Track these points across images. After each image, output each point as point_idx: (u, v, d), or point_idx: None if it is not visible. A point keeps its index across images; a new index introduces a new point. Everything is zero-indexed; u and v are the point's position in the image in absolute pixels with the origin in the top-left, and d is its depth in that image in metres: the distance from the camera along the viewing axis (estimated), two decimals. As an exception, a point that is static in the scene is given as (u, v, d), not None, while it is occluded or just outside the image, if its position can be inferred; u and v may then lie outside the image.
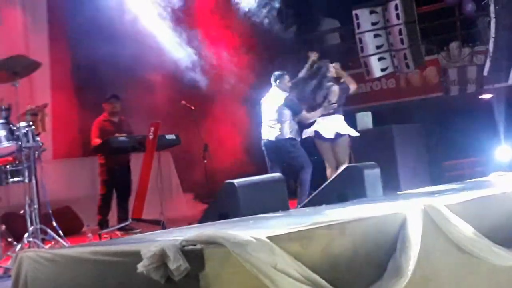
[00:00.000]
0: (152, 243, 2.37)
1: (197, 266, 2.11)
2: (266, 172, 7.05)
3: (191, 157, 9.54)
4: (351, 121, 8.65)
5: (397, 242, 2.75)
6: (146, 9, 8.36)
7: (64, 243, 5.87)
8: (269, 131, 7.50)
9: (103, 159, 8.06)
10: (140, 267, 2.17)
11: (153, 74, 9.29)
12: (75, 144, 9.93)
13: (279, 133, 7.40)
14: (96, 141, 7.98)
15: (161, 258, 2.15)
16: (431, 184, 9.72)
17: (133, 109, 8.95)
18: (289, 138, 7.39)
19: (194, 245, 2.16)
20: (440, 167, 10.98)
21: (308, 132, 7.67)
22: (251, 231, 2.51)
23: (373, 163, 5.03)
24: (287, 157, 7.39)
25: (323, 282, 2.34)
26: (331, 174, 7.24)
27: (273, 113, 7.49)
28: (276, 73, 7.75)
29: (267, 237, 2.26)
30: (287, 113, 7.44)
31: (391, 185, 8.18)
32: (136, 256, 2.21)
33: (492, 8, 8.78)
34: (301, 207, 4.59)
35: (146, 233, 3.26)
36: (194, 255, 2.12)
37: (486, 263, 3.13)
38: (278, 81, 7.63)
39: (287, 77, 7.73)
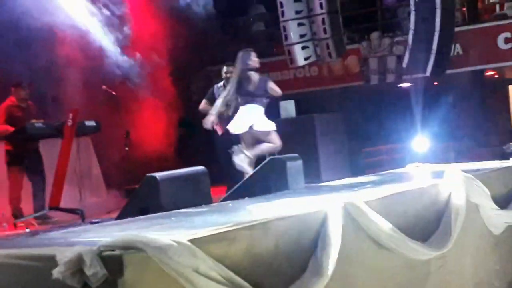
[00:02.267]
0: (68, 246, 2.29)
1: (116, 272, 2.04)
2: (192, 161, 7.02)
3: (113, 144, 9.35)
4: (275, 109, 8.71)
5: (318, 240, 2.77)
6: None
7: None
8: None
9: (9, 145, 7.74)
10: (56, 273, 2.08)
11: (73, 57, 9.01)
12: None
13: None
14: (4, 126, 7.67)
15: (78, 264, 2.07)
16: (351, 171, 9.98)
17: (52, 94, 8.67)
18: None
19: (113, 250, 2.09)
20: (359, 154, 11.26)
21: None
22: (173, 232, 2.47)
23: (295, 155, 5.06)
24: None
25: (245, 284, 2.32)
26: None
27: None
28: None
29: (189, 240, 2.22)
30: None
31: (312, 173, 8.32)
32: (51, 261, 2.12)
33: (412, 0, 9.01)
34: (223, 200, 4.56)
35: (61, 231, 3.15)
36: (113, 261, 2.05)
37: (404, 257, 3.21)
38: None
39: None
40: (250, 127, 6.93)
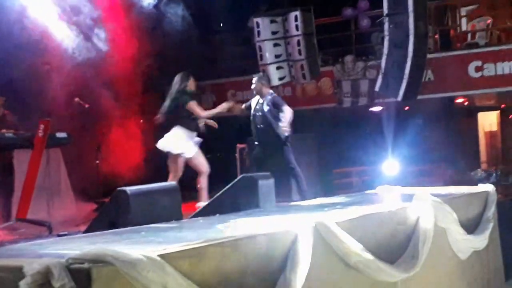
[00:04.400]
0: (36, 258, 2.26)
1: (84, 286, 2.03)
2: (163, 176, 7.02)
3: (83, 156, 9.26)
4: (249, 128, 8.74)
5: (287, 259, 2.78)
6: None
7: None
8: None
9: None
10: (23, 285, 2.06)
11: (45, 68, 8.93)
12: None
13: None
14: None
15: (45, 276, 2.05)
16: (321, 191, 10.02)
17: (23, 105, 8.56)
18: None
19: (82, 263, 2.07)
20: (330, 175, 11.31)
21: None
22: (142, 247, 2.46)
23: (267, 173, 5.09)
24: None
25: (213, 301, 2.33)
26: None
27: None
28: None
29: (159, 255, 2.21)
30: None
31: (283, 192, 8.32)
32: (19, 273, 2.10)
33: (386, 26, 9.14)
34: (193, 216, 4.55)
35: (29, 243, 3.11)
36: (81, 274, 2.04)
37: (372, 278, 3.23)
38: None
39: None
40: None
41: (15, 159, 7.91)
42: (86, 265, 2.06)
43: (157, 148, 7.55)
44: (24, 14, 7.95)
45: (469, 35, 11.82)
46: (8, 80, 8.32)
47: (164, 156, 7.57)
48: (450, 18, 12.18)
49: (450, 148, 11.82)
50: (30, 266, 2.07)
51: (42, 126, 7.27)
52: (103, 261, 2.08)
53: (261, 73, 8.91)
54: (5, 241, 6.73)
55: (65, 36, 8.33)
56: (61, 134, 7.70)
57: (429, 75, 10.83)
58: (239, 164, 10.30)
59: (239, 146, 10.31)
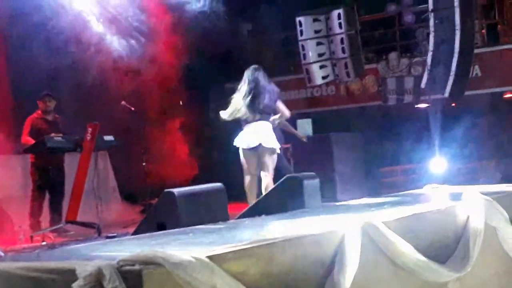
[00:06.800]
0: (88, 259, 2.30)
1: (135, 287, 2.06)
2: (208, 176, 7.04)
3: (130, 159, 9.40)
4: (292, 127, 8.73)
5: (335, 260, 2.76)
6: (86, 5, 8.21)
7: (-6, 247, 5.68)
8: None
9: (35, 158, 7.86)
10: (75, 286, 2.10)
11: (92, 72, 9.10)
12: (8, 140, 9.64)
13: None
14: (27, 139, 7.79)
15: (97, 278, 2.08)
16: (367, 190, 9.94)
17: (71, 108, 8.75)
18: None
19: (132, 265, 2.10)
20: (376, 174, 11.22)
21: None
22: (191, 248, 2.48)
23: (312, 173, 5.06)
24: None
25: (262, 302, 2.33)
26: (250, 183, 7.06)
27: None
28: None
29: (207, 257, 2.23)
30: None
31: (328, 192, 8.30)
32: (71, 274, 2.14)
33: (431, 22, 9.00)
34: (239, 217, 4.56)
35: (81, 244, 3.17)
36: (132, 276, 2.06)
37: (422, 279, 3.18)
38: None
39: None
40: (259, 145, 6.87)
41: (66, 163, 8.09)
42: (137, 267, 2.08)
43: (203, 149, 7.61)
44: (73, 19, 8.11)
45: (517, 29, 11.55)
46: (57, 85, 8.51)
47: (210, 157, 7.61)
48: (497, 12, 11.92)
49: (499, 145, 11.57)
50: (82, 268, 2.11)
51: (90, 130, 7.42)
52: (153, 262, 2.10)
53: None
54: (56, 243, 6.89)
55: (110, 39, 8.47)
56: (108, 137, 7.84)
57: (476, 70, 10.63)
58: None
59: (283, 146, 10.29)
